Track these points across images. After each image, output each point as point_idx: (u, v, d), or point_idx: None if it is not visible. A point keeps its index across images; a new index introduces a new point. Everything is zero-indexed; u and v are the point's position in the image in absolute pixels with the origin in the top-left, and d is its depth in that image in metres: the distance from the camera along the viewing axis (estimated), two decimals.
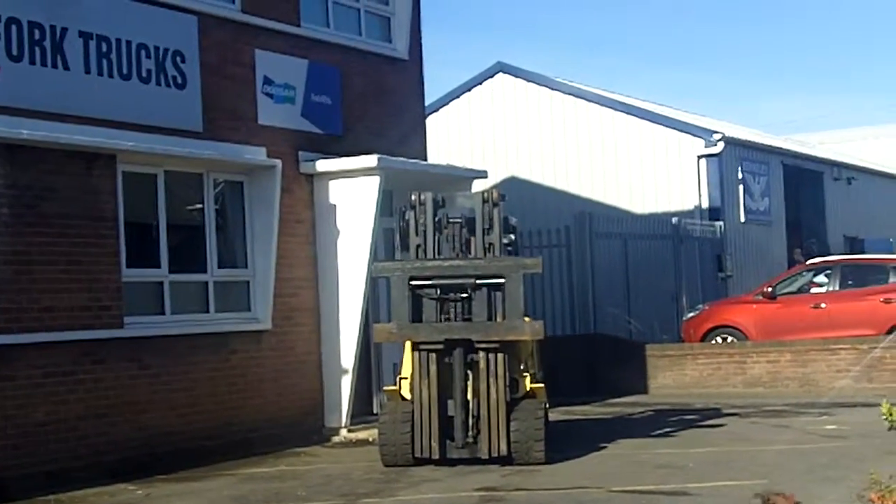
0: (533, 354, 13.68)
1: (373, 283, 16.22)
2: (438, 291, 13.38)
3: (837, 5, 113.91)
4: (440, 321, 13.28)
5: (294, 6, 16.19)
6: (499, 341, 12.95)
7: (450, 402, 12.93)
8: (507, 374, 12.90)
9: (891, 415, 3.38)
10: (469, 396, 12.91)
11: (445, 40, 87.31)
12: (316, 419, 15.87)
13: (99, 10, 13.45)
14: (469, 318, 13.27)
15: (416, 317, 13.27)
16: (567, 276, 22.95)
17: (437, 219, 13.64)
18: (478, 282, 13.22)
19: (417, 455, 12.81)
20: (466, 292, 13.28)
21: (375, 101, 17.40)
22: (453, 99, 28.99)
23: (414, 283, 13.26)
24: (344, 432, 15.82)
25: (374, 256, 15.87)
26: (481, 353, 12.90)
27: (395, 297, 13.32)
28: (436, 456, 12.80)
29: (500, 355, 12.85)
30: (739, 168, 27.71)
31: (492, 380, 12.75)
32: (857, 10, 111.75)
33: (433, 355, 12.87)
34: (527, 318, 13.80)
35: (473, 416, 12.83)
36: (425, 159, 18.29)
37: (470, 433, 12.81)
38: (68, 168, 12.94)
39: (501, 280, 13.14)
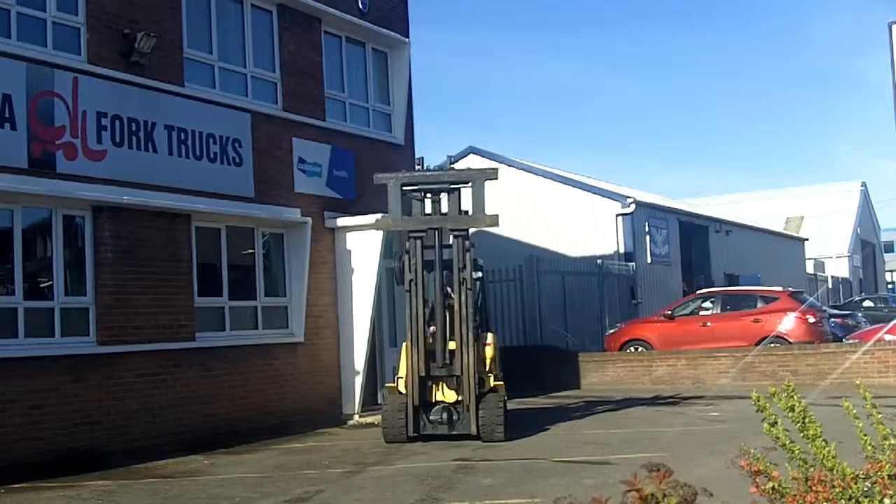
0: (496, 360, 13.52)
1: (378, 308, 16.29)
2: (423, 194, 13.12)
3: (714, 106, 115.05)
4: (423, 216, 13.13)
5: (321, 105, 16.28)
6: (465, 229, 12.80)
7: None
8: (474, 315, 12.69)
9: (758, 401, 3.51)
10: (447, 335, 12.76)
11: (432, 130, 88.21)
12: (336, 408, 15.83)
13: (179, 110, 13.56)
14: (445, 214, 13.09)
15: (407, 213, 13.13)
16: (520, 302, 22.92)
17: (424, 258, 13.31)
18: (451, 186, 12.98)
19: (410, 434, 12.79)
20: (442, 195, 13.05)
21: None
22: None
23: (405, 188, 13.02)
24: (356, 417, 15.78)
25: (378, 289, 15.93)
26: (454, 243, 12.73)
27: (391, 199, 13.03)
28: (417, 406, 12.70)
29: (468, 253, 12.67)
30: (647, 223, 27.68)
31: (462, 323, 12.58)
32: (731, 106, 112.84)
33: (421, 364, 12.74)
34: (490, 333, 13.82)
35: (448, 351, 12.72)
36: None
37: (446, 358, 12.73)
38: (156, 223, 13.00)
39: (469, 185, 12.92)
